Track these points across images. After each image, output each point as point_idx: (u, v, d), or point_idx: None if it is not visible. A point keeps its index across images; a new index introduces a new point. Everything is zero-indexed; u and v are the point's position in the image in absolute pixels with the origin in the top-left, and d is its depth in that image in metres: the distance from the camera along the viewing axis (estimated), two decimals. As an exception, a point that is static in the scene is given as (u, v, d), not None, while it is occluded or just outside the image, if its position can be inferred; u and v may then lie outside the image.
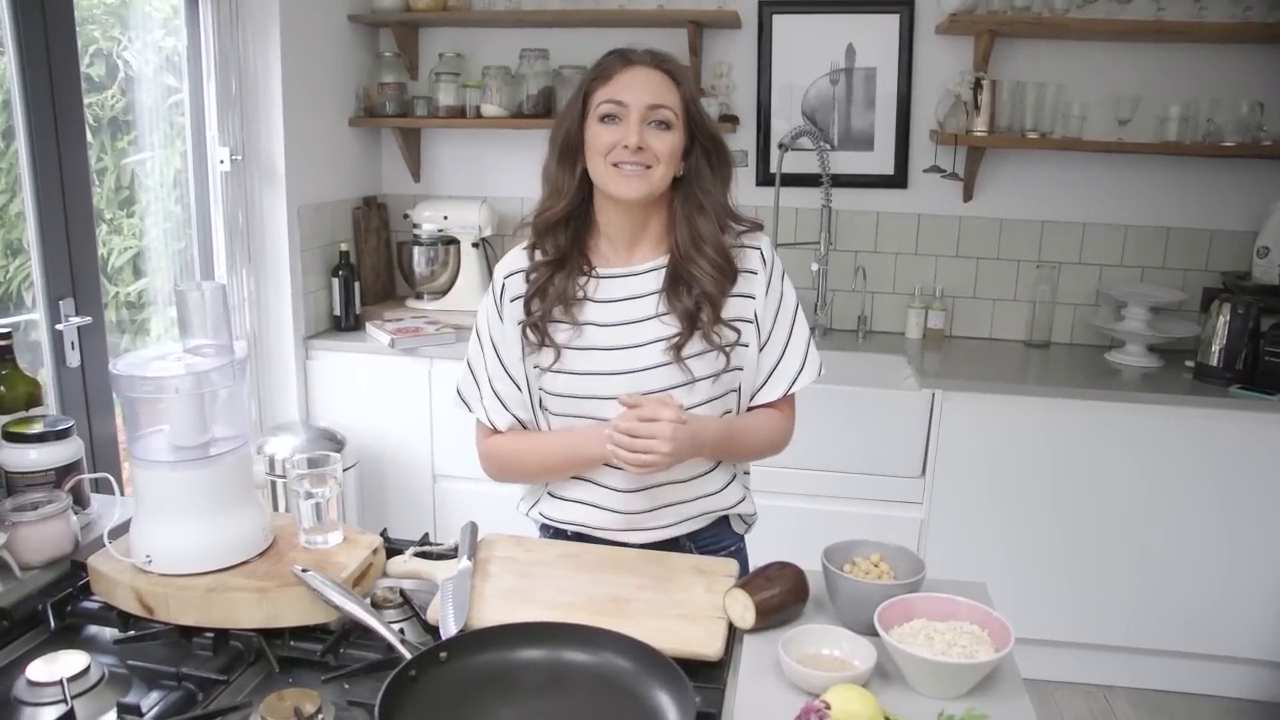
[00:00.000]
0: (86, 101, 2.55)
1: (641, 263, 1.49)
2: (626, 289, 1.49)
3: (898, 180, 3.23)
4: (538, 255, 1.51)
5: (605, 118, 1.41)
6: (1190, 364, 2.91)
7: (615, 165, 1.40)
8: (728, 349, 1.46)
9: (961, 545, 2.84)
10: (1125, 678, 2.92)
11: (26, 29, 2.17)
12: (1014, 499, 2.80)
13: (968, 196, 3.20)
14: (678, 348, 1.44)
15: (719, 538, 1.58)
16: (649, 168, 1.41)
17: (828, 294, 3.24)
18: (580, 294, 1.48)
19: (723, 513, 1.56)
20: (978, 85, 2.93)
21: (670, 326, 1.45)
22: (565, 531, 1.56)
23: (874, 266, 3.30)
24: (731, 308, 1.47)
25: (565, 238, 1.48)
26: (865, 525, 2.81)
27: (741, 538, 1.62)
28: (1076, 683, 2.94)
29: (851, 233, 3.29)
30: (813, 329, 3.18)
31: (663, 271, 1.48)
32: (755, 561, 1.61)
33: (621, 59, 1.44)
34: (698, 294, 1.44)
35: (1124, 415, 2.71)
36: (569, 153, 1.46)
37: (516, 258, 1.53)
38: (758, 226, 1.52)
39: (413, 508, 3.13)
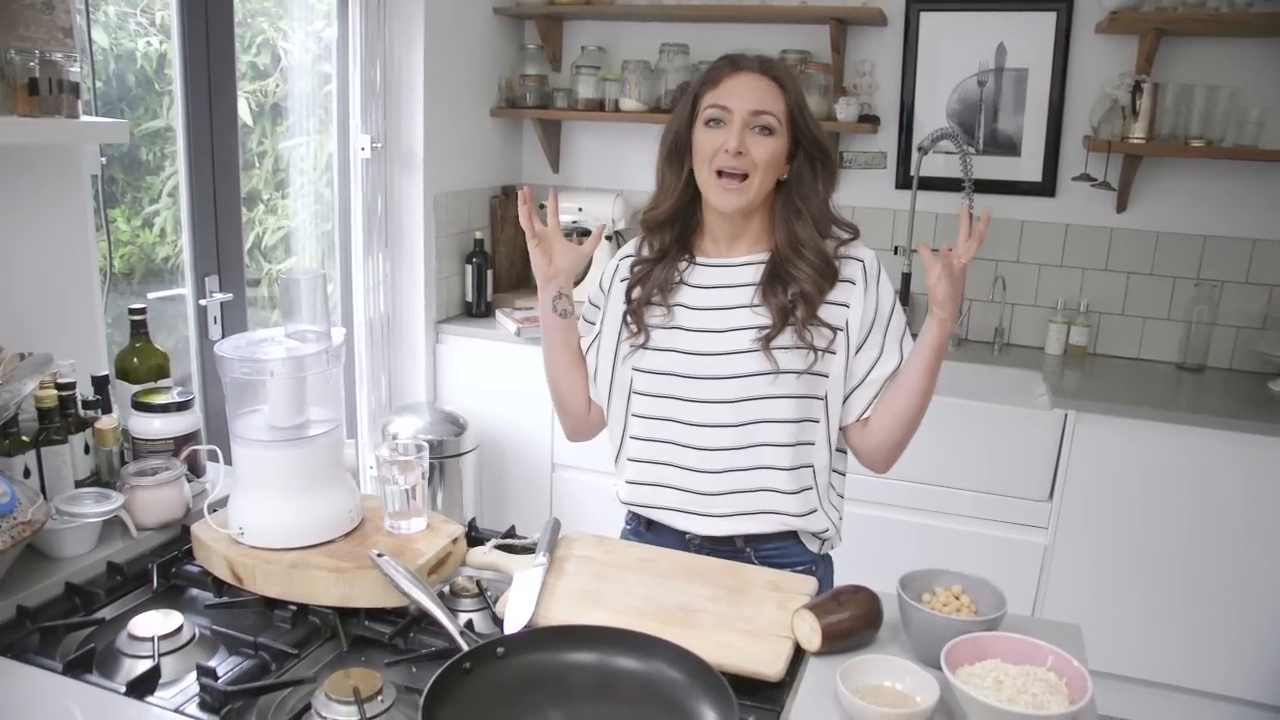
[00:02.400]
0: (251, 88, 2.72)
1: (741, 256, 1.53)
2: (722, 278, 1.53)
3: (1045, 188, 3.06)
4: (644, 250, 1.59)
5: (710, 121, 1.46)
6: (1369, 400, 2.64)
7: (718, 174, 1.45)
8: (818, 348, 1.46)
9: (1087, 576, 2.67)
10: (1268, 736, 2.69)
11: (190, 23, 2.32)
12: (1150, 532, 2.61)
13: (1121, 207, 2.99)
14: (767, 339, 1.46)
15: (785, 551, 1.54)
16: (746, 178, 1.44)
17: (963, 303, 3.10)
18: (678, 279, 1.54)
19: (788, 521, 1.50)
20: (1137, 88, 2.73)
21: (762, 318, 1.48)
22: (641, 517, 1.61)
23: (1015, 277, 3.14)
24: (824, 312, 1.48)
25: (670, 236, 1.55)
26: (985, 546, 2.69)
27: (818, 557, 1.56)
28: (1211, 735, 2.73)
29: (993, 240, 3.14)
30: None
31: (762, 266, 1.51)
32: (844, 579, 1.56)
33: (731, 64, 1.49)
34: (795, 292, 1.47)
35: (1285, 451, 2.48)
36: (676, 153, 1.52)
37: (633, 245, 1.63)
38: (855, 233, 1.52)
39: (530, 494, 3.19)
